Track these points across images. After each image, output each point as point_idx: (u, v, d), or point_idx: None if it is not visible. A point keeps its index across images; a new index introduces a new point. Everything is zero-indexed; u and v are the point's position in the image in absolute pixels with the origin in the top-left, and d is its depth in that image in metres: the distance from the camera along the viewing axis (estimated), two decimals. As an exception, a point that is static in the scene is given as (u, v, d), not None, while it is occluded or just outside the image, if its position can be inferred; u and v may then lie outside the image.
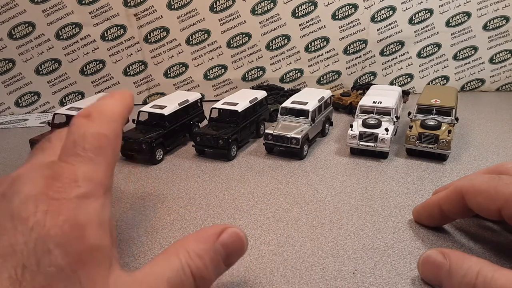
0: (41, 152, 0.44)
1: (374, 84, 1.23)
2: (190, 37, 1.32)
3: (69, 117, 0.96)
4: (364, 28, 1.33)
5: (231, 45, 1.34)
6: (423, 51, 1.37)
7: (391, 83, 1.41)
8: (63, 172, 0.37)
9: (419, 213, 0.64)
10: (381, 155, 0.89)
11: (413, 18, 1.32)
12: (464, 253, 0.45)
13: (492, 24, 1.33)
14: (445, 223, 0.62)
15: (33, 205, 0.34)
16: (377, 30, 1.33)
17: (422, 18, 1.32)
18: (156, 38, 1.31)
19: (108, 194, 0.40)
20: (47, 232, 0.32)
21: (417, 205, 0.65)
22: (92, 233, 0.35)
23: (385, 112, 0.94)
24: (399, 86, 1.39)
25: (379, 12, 1.31)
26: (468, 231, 0.62)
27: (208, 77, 1.38)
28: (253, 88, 1.30)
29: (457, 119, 0.90)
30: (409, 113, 0.94)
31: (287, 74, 1.39)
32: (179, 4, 1.27)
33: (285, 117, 0.96)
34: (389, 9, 1.31)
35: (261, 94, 1.06)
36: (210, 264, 0.40)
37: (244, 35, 1.32)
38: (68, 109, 0.97)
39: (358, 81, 1.40)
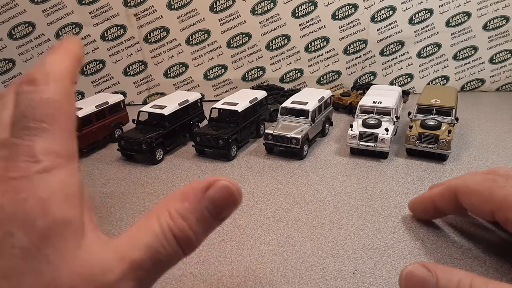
0: None
1: (374, 84, 1.23)
2: (190, 37, 1.31)
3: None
4: (364, 28, 1.33)
5: (231, 45, 1.34)
6: (423, 51, 1.37)
7: (391, 83, 1.41)
8: (19, 150, 0.34)
9: (414, 206, 0.66)
10: (381, 155, 0.89)
11: (413, 18, 1.32)
12: (447, 266, 0.44)
13: (492, 24, 1.33)
14: (439, 217, 0.64)
15: None
16: (377, 30, 1.33)
17: (422, 18, 1.32)
18: (156, 38, 1.31)
19: (73, 161, 0.37)
20: (7, 215, 0.31)
21: (413, 198, 0.66)
22: (56, 206, 0.33)
23: (385, 112, 0.94)
24: (399, 86, 1.39)
25: (379, 12, 1.31)
26: (467, 231, 0.62)
27: (208, 77, 1.38)
28: (253, 88, 1.30)
29: (457, 119, 0.90)
30: (409, 113, 0.94)
31: (287, 74, 1.39)
32: (179, 4, 1.27)
33: (285, 117, 0.96)
34: (389, 9, 1.30)
35: (261, 94, 1.06)
36: (197, 224, 0.37)
37: (244, 35, 1.32)
38: (68, 109, 0.97)
39: (358, 81, 1.40)
